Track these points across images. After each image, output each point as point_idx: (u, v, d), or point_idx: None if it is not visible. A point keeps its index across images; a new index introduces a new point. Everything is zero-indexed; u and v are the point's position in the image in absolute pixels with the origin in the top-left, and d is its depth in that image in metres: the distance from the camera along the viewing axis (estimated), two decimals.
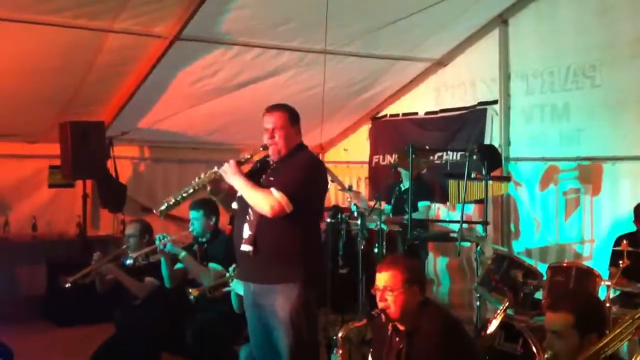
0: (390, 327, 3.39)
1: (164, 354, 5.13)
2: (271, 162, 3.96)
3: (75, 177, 7.13)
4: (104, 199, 7.40)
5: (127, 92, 6.63)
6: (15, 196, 7.33)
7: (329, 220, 6.18)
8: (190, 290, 4.60)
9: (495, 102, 6.75)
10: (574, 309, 2.94)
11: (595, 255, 5.81)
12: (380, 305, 3.32)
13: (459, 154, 6.69)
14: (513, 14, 6.54)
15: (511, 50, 6.62)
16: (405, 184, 6.49)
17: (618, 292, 4.75)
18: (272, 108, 3.93)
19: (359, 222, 6.13)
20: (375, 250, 6.04)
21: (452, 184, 5.96)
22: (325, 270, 5.26)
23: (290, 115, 3.91)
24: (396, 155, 7.02)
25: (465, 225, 5.51)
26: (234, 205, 3.99)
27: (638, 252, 4.43)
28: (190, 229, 5.05)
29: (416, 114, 7.79)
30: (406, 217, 5.86)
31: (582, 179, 5.99)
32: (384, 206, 6.65)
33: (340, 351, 3.35)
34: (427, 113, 7.64)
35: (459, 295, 7.10)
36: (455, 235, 5.63)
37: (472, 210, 6.87)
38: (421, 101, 7.74)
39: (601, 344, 2.76)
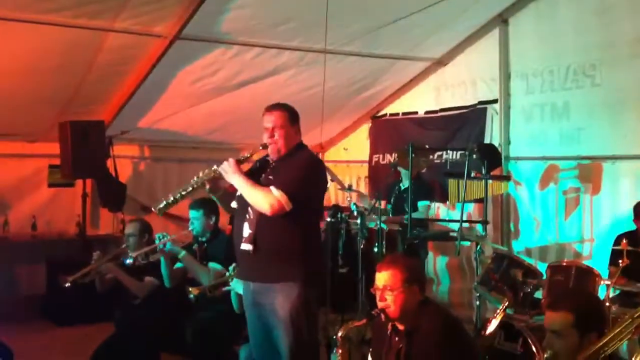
0: (389, 327, 3.39)
1: (163, 354, 5.12)
2: (271, 162, 3.96)
3: (75, 176, 7.13)
4: (104, 199, 7.40)
5: (127, 92, 6.62)
6: (15, 195, 7.32)
7: (328, 219, 6.18)
8: (190, 290, 4.60)
9: (495, 101, 6.75)
10: (574, 308, 2.95)
11: (595, 254, 5.81)
12: (380, 304, 3.32)
13: (459, 153, 6.69)
14: (513, 13, 6.54)
15: (511, 49, 6.62)
16: (405, 184, 6.49)
17: (618, 292, 4.75)
18: (272, 107, 3.93)
19: (358, 221, 6.13)
20: (375, 249, 6.03)
21: (451, 183, 5.95)
22: (325, 270, 5.27)
23: (290, 115, 3.92)
24: (396, 155, 7.02)
25: (465, 225, 5.51)
26: (234, 204, 4.00)
27: (638, 251, 4.43)
28: (190, 229, 5.05)
29: (416, 113, 7.79)
30: (406, 216, 5.86)
31: (582, 178, 5.99)
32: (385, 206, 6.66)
33: (340, 351, 3.35)
34: (427, 112, 7.64)
35: (459, 294, 7.10)
36: (455, 234, 5.63)
37: (471, 209, 6.87)
38: (421, 100, 7.73)
39: (601, 343, 2.76)
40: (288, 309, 3.71)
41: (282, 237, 3.76)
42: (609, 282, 4.28)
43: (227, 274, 4.57)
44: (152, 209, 3.98)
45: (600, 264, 5.13)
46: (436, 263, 7.36)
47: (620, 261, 4.25)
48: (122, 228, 7.10)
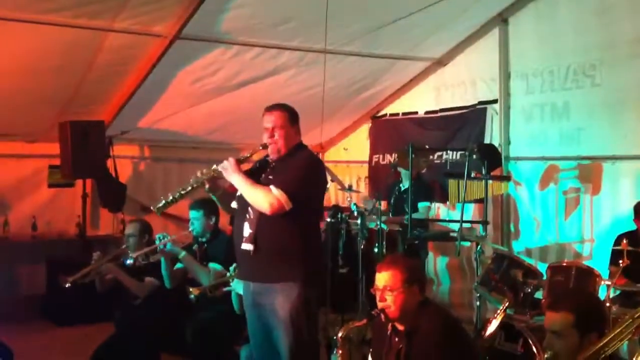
0: (389, 327, 3.39)
1: (163, 354, 5.13)
2: (270, 162, 3.96)
3: (75, 176, 7.13)
4: (104, 199, 7.40)
5: (127, 92, 6.62)
6: (15, 196, 7.32)
7: (329, 219, 6.18)
8: (190, 290, 4.60)
9: (495, 101, 6.75)
10: (574, 308, 2.95)
11: (595, 254, 5.80)
12: (380, 305, 3.32)
13: (459, 153, 6.69)
14: (513, 13, 6.54)
15: (511, 49, 6.61)
16: (405, 184, 6.49)
17: (618, 292, 4.75)
18: (272, 107, 3.94)
19: (358, 221, 6.12)
20: (375, 249, 6.03)
21: (452, 183, 5.95)
22: (325, 270, 5.27)
23: (290, 115, 3.93)
24: (396, 155, 7.02)
25: (465, 225, 5.51)
26: (234, 204, 4.00)
27: (638, 251, 4.43)
28: (190, 229, 5.05)
29: (416, 113, 7.79)
30: (406, 217, 5.86)
31: (582, 178, 5.99)
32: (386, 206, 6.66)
33: (340, 351, 3.35)
34: (427, 112, 7.63)
35: (459, 294, 7.10)
36: (455, 234, 5.63)
37: (472, 209, 6.86)
38: (421, 100, 7.73)
39: (601, 344, 2.76)
40: (288, 309, 3.72)
41: (282, 237, 3.76)
42: (609, 283, 4.28)
43: (228, 274, 4.57)
44: (151, 208, 3.98)
45: (600, 264, 5.13)
46: (436, 263, 7.35)
47: (620, 261, 4.26)
48: (122, 228, 7.10)
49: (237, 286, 4.31)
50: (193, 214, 5.04)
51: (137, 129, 7.33)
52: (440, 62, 7.36)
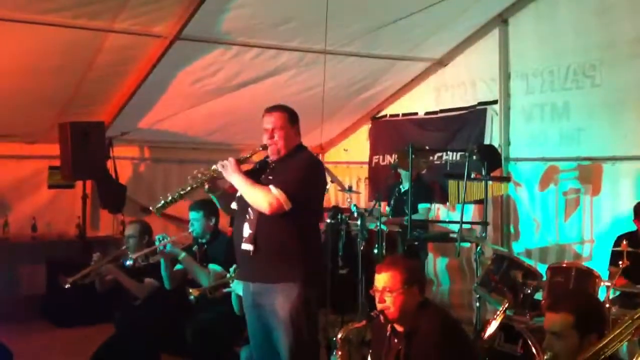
0: (389, 328, 3.38)
1: (163, 355, 5.13)
2: (270, 163, 3.97)
3: (75, 177, 7.13)
4: (104, 200, 7.40)
5: (127, 92, 6.62)
6: (14, 197, 7.32)
7: (328, 220, 6.17)
8: (190, 291, 4.60)
9: (495, 102, 6.74)
10: (574, 309, 2.95)
11: (595, 255, 5.80)
12: (379, 306, 3.31)
13: (459, 154, 6.68)
14: (513, 13, 6.54)
15: (511, 49, 6.61)
16: (405, 185, 6.48)
17: (618, 293, 4.75)
18: (272, 109, 3.96)
19: (358, 222, 6.12)
20: (375, 251, 6.03)
21: (451, 184, 5.95)
22: (325, 270, 5.27)
23: (290, 116, 3.94)
24: (396, 156, 7.01)
25: (465, 226, 5.50)
26: (234, 205, 4.00)
27: (638, 252, 4.42)
28: (190, 230, 5.05)
29: (416, 114, 7.78)
30: (406, 218, 5.85)
31: (582, 179, 5.98)
32: (385, 208, 6.65)
33: (340, 352, 3.35)
34: (427, 113, 7.63)
35: (459, 295, 7.09)
36: (455, 235, 5.62)
37: (471, 210, 6.86)
38: (421, 101, 7.73)
39: (601, 345, 2.75)
40: (288, 309, 3.72)
41: (282, 237, 3.77)
42: (609, 284, 4.28)
43: (228, 275, 4.57)
44: (150, 208, 3.98)
45: (600, 265, 5.13)
46: (436, 264, 7.35)
47: (620, 262, 4.25)
48: (122, 229, 7.09)
49: (237, 287, 4.32)
50: (193, 215, 5.04)
51: (137, 129, 7.33)
52: (440, 63, 7.36)
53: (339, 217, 6.31)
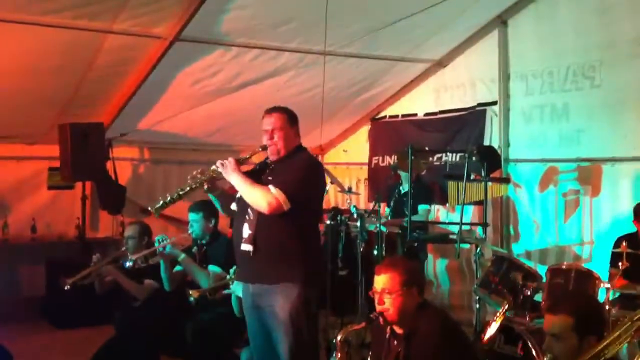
0: (388, 330, 3.38)
1: (163, 356, 5.12)
2: (269, 163, 3.97)
3: (74, 178, 7.12)
4: (103, 201, 7.39)
5: (127, 93, 6.62)
6: (14, 198, 7.32)
7: (328, 222, 6.17)
8: (190, 292, 4.59)
9: (494, 103, 6.74)
10: (573, 311, 2.95)
11: (595, 256, 5.80)
12: (379, 308, 3.31)
13: (459, 155, 6.69)
14: (512, 14, 6.54)
15: (510, 50, 6.62)
16: (405, 187, 6.48)
17: (618, 294, 4.75)
18: (271, 110, 3.98)
19: (358, 224, 6.12)
20: (375, 252, 6.02)
21: (451, 185, 5.95)
22: (324, 270, 5.27)
23: (289, 117, 3.96)
24: (395, 157, 7.01)
25: (465, 227, 5.50)
26: (233, 206, 4.01)
27: (638, 253, 4.42)
28: (189, 231, 5.05)
29: (415, 115, 7.78)
30: (406, 219, 5.85)
31: (581, 180, 5.98)
32: (384, 209, 6.64)
33: (339, 355, 3.34)
34: (426, 114, 7.63)
35: (459, 297, 7.09)
36: (454, 237, 5.62)
37: (471, 211, 6.85)
38: (420, 102, 7.73)
39: (600, 347, 2.75)
40: (288, 309, 3.72)
41: (281, 237, 3.77)
42: (609, 285, 4.27)
43: (228, 277, 4.57)
44: (149, 209, 3.97)
45: (600, 267, 5.13)
46: (436, 265, 7.35)
47: (620, 263, 4.25)
48: (122, 230, 7.10)
49: (237, 289, 4.31)
50: (192, 216, 5.03)
51: (136, 130, 7.33)
52: (440, 64, 7.36)
53: (339, 218, 6.31)
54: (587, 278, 4.41)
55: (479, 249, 5.31)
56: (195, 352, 4.76)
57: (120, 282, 5.13)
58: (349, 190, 7.20)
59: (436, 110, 7.49)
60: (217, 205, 4.18)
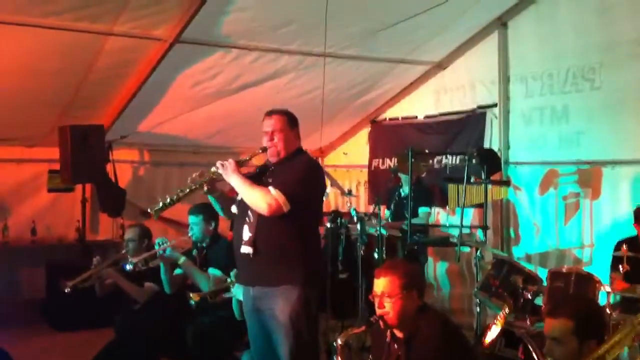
0: (388, 334, 3.37)
1: (163, 359, 5.11)
2: (269, 165, 3.97)
3: (74, 181, 7.12)
4: (103, 204, 7.39)
5: (127, 95, 6.62)
6: (14, 200, 7.32)
7: (328, 224, 6.16)
8: (191, 295, 4.59)
9: (494, 105, 6.74)
10: (573, 315, 2.94)
11: (595, 259, 5.79)
12: (379, 311, 3.30)
13: (459, 157, 6.68)
14: (512, 16, 6.54)
15: (510, 52, 6.62)
16: (405, 189, 6.47)
17: (619, 297, 4.74)
18: (272, 112, 3.99)
19: (358, 227, 6.11)
20: (375, 255, 6.01)
21: (451, 188, 5.94)
22: (324, 270, 5.26)
23: (289, 119, 3.97)
24: (396, 159, 7.01)
25: (465, 230, 5.49)
26: (234, 208, 4.00)
27: (638, 257, 4.41)
28: (189, 234, 5.04)
29: (415, 117, 7.78)
30: (406, 222, 5.85)
31: (581, 183, 5.98)
32: (384, 212, 6.63)
33: (340, 358, 3.32)
34: (426, 116, 7.63)
35: (459, 300, 7.08)
36: (454, 240, 5.61)
37: (471, 214, 6.85)
38: (420, 104, 7.73)
39: (601, 351, 2.75)
40: (288, 312, 3.72)
41: (281, 239, 3.77)
42: (609, 289, 4.27)
43: (229, 280, 4.56)
44: (148, 210, 3.96)
45: (600, 270, 5.12)
46: (436, 269, 7.34)
47: (620, 266, 4.25)
48: (122, 233, 7.09)
49: (238, 292, 4.31)
50: (192, 219, 5.03)
51: (136, 133, 7.33)
52: (440, 66, 7.36)
53: (339, 221, 6.30)
54: (588, 281, 4.41)
55: (479, 252, 5.30)
56: (195, 356, 4.75)
57: (120, 285, 5.12)
58: (349, 192, 7.19)
59: (436, 112, 7.48)
60: (217, 207, 4.18)
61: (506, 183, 6.06)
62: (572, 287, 4.39)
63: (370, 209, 7.56)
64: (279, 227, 3.75)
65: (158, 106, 6.94)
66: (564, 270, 4.75)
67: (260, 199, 3.71)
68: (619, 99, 5.66)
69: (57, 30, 5.31)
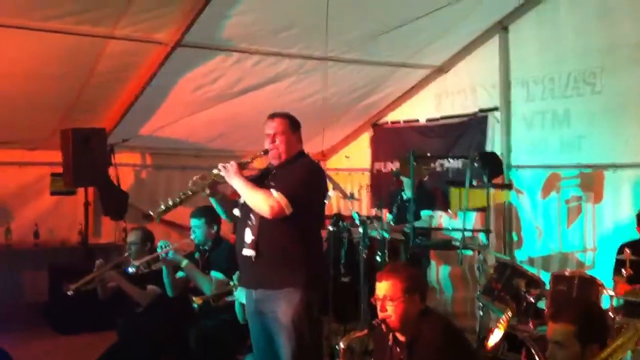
0: (391, 338, 3.37)
1: None
2: (271, 168, 3.98)
3: (76, 184, 7.12)
4: (106, 207, 7.40)
5: (129, 99, 6.63)
6: (17, 203, 7.33)
7: (330, 228, 6.16)
8: (194, 299, 4.60)
9: (495, 109, 6.74)
10: (576, 318, 2.94)
11: (598, 263, 5.79)
12: (381, 315, 3.30)
13: (460, 161, 6.68)
14: (513, 20, 6.55)
15: (511, 56, 6.62)
16: (408, 193, 6.47)
17: (622, 301, 4.73)
18: (274, 115, 4.01)
19: (360, 230, 6.11)
20: (378, 258, 6.01)
21: (453, 191, 5.95)
22: (326, 273, 5.26)
23: (291, 122, 3.98)
24: (398, 163, 7.01)
25: (467, 234, 5.49)
26: (236, 211, 4.01)
27: None
28: (191, 237, 5.05)
29: (417, 120, 7.79)
30: (408, 225, 5.85)
31: (583, 186, 5.98)
32: (387, 215, 6.63)
33: None
34: (428, 120, 7.64)
35: (462, 303, 7.06)
36: (457, 243, 5.62)
37: (474, 218, 6.84)
38: (422, 108, 7.73)
39: (604, 355, 2.75)
40: (290, 314, 3.73)
41: (283, 241, 3.78)
42: (612, 293, 4.26)
43: (232, 283, 4.56)
44: (150, 213, 3.97)
45: (603, 273, 5.11)
46: (439, 272, 7.33)
47: (623, 270, 4.24)
48: (124, 236, 7.09)
49: (241, 295, 4.31)
50: (194, 222, 5.04)
51: (138, 136, 7.34)
52: (441, 70, 7.37)
53: (341, 224, 6.30)
54: (591, 285, 4.40)
55: (481, 255, 5.30)
56: (198, 359, 4.75)
57: (123, 288, 5.12)
58: (351, 196, 7.19)
59: (438, 116, 7.49)
60: (219, 210, 4.18)
61: (508, 186, 6.07)
62: (575, 291, 4.39)
63: (373, 212, 7.56)
64: (281, 229, 3.75)
65: (160, 110, 6.95)
66: (566, 273, 4.75)
67: (262, 202, 3.72)
68: (620, 103, 5.67)
69: (58, 34, 5.31)
